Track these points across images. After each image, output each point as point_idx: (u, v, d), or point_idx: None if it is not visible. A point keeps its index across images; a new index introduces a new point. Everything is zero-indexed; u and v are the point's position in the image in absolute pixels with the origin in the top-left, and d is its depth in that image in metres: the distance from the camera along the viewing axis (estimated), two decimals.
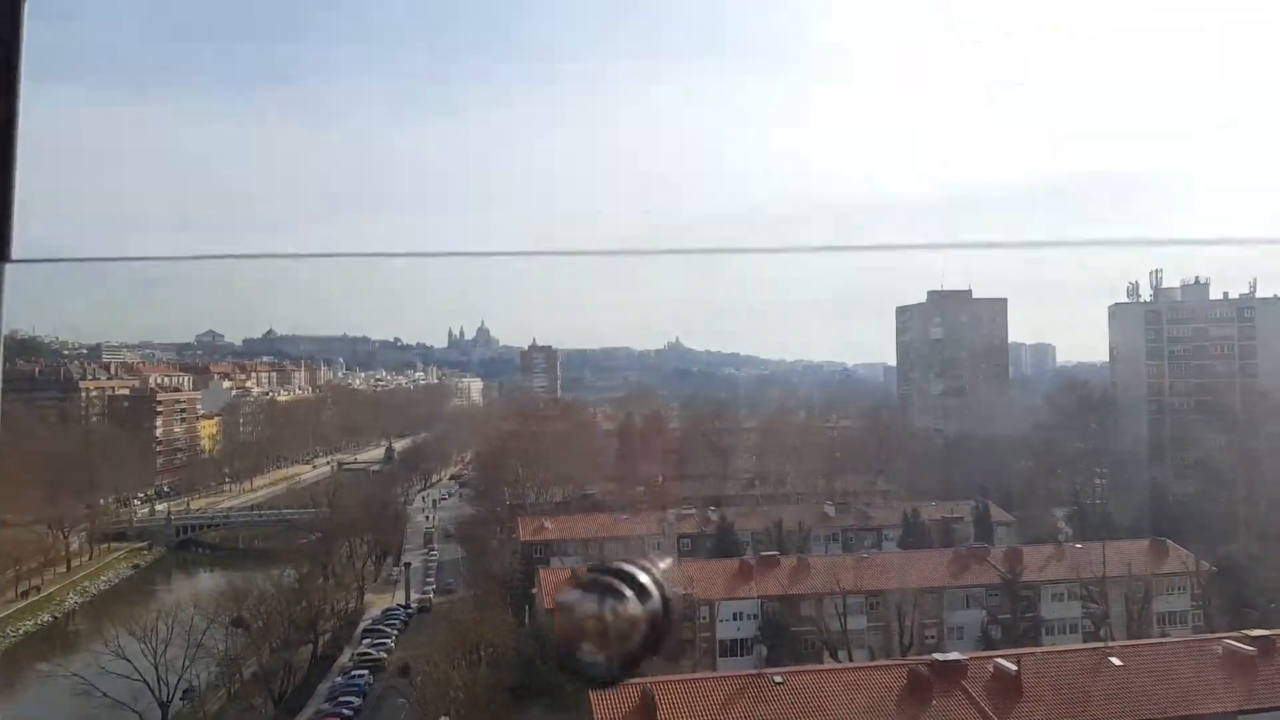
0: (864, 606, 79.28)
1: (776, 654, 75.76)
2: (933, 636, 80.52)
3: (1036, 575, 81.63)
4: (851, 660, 71.59)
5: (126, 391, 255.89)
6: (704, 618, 77.46)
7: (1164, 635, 72.99)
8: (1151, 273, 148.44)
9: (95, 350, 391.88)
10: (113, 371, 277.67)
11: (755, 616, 78.06)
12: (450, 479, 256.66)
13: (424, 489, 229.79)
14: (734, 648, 77.97)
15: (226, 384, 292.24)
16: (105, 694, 72.99)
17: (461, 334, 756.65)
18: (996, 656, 55.73)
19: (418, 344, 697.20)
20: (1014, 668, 52.68)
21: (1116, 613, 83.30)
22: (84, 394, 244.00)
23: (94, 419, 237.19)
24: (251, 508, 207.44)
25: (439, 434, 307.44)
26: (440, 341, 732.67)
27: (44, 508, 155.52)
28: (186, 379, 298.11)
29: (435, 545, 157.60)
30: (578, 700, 53.67)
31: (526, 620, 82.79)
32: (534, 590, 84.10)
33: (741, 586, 78.98)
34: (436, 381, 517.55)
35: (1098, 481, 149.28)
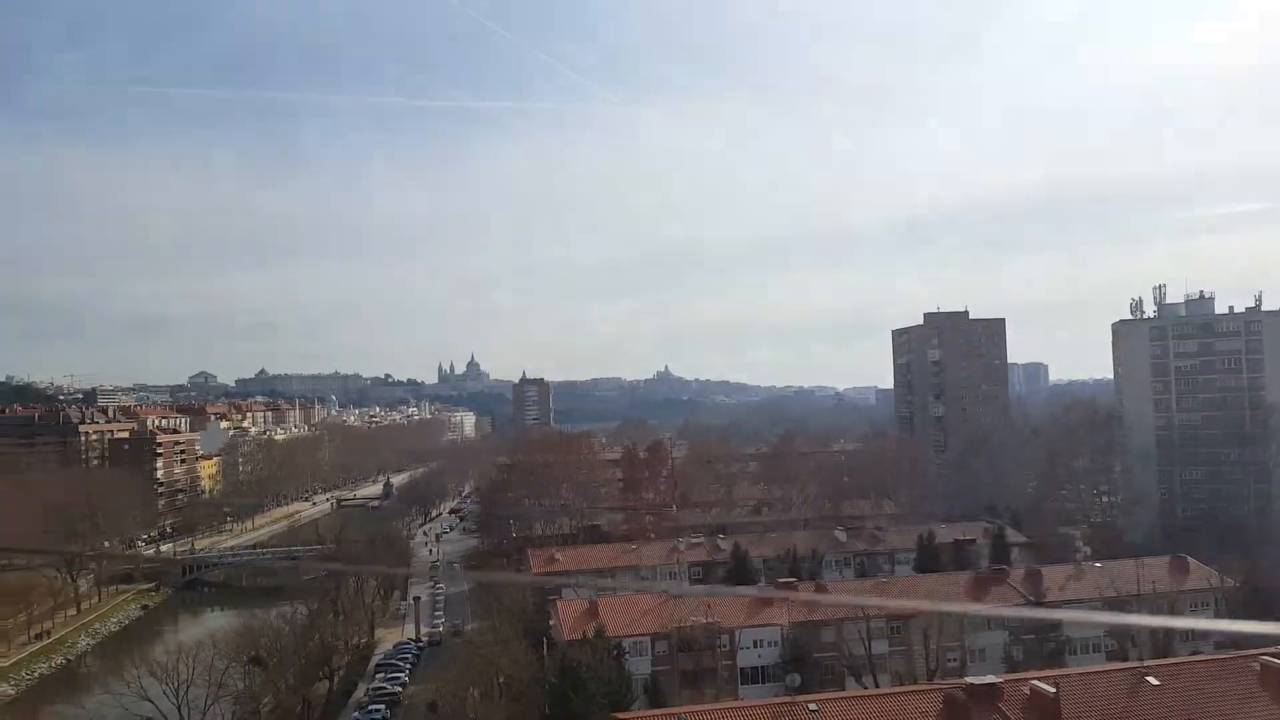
0: (885, 631, 78.47)
1: (799, 681, 74.78)
2: (955, 659, 79.64)
3: (1058, 595, 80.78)
4: (877, 685, 70.73)
5: (125, 434, 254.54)
6: (724, 645, 76.52)
7: (1196, 653, 71.98)
8: (1155, 288, 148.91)
9: (91, 394, 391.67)
10: (111, 415, 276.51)
11: (775, 644, 77.13)
12: (450, 512, 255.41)
13: (425, 523, 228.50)
14: (755, 675, 76.96)
15: (224, 424, 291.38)
16: None
17: (452, 369, 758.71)
18: (1032, 679, 54.60)
19: (408, 380, 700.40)
20: (1052, 690, 51.67)
21: (1138, 631, 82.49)
22: (83, 437, 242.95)
23: (94, 462, 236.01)
24: (254, 546, 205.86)
25: (436, 469, 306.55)
26: (431, 377, 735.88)
27: (51, 551, 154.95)
28: (183, 420, 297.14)
29: (441, 579, 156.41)
30: None
31: (545, 652, 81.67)
32: (551, 622, 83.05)
33: (761, 613, 78.12)
34: (430, 417, 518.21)
35: (1104, 499, 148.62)
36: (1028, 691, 53.39)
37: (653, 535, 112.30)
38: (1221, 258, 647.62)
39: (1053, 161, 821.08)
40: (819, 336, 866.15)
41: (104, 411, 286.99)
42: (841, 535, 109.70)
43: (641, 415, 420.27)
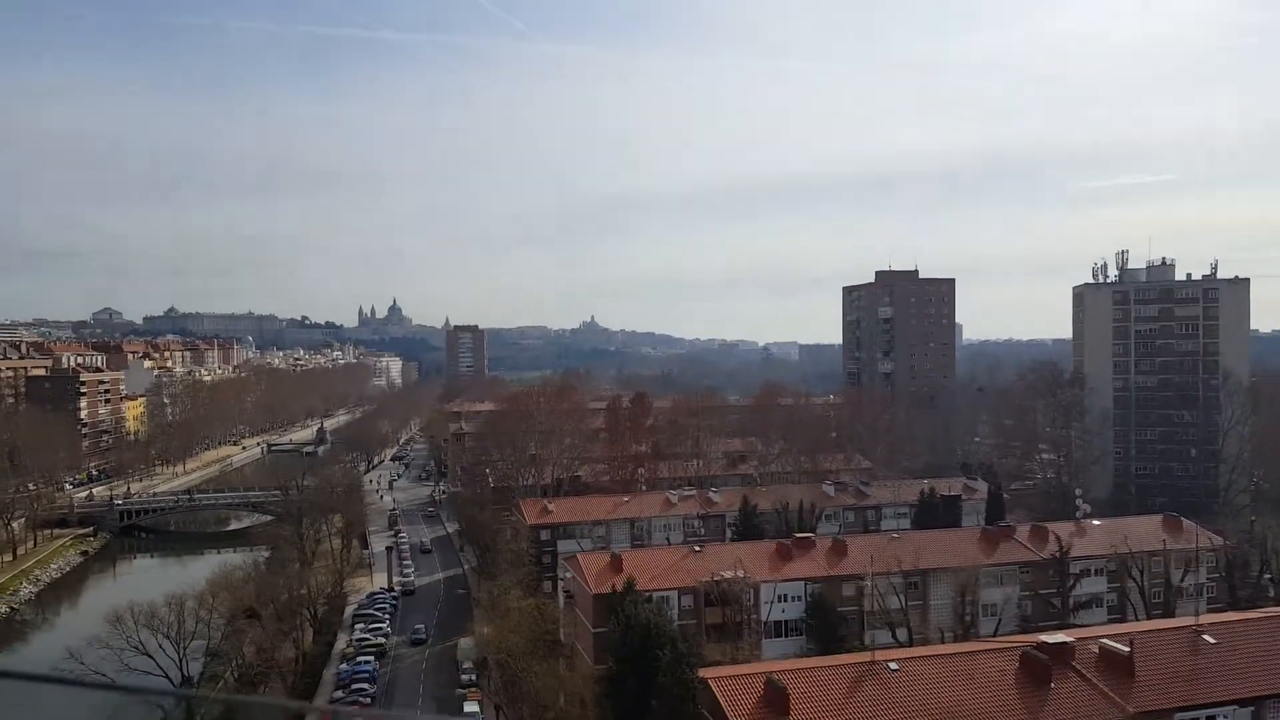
0: (903, 585, 78.61)
1: (823, 635, 74.57)
2: (968, 614, 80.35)
3: (1076, 552, 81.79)
4: (911, 639, 70.92)
5: (42, 371, 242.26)
6: (749, 600, 75.65)
7: (1220, 610, 73.86)
8: (1118, 253, 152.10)
9: None
10: (24, 350, 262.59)
11: (799, 598, 76.67)
12: (392, 459, 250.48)
13: (368, 470, 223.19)
14: (779, 629, 76.46)
15: (148, 364, 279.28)
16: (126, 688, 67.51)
17: (373, 312, 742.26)
18: (1101, 637, 55.05)
19: (326, 322, 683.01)
20: (1125, 649, 52.10)
21: (1132, 587, 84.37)
22: None
23: (9, 400, 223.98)
24: (187, 491, 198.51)
25: (370, 413, 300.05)
26: (350, 320, 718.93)
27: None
28: (100, 358, 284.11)
29: (401, 527, 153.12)
30: (692, 692, 51.49)
31: (560, 604, 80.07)
32: (567, 574, 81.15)
33: (784, 568, 77.53)
34: (355, 361, 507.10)
35: (1060, 457, 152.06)
36: (1096, 650, 53.82)
37: (644, 487, 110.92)
38: (1140, 224, 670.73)
39: (977, 126, 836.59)
40: (741, 292, 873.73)
41: (16, 347, 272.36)
42: (830, 489, 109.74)
43: (570, 364, 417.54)
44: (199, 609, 76.66)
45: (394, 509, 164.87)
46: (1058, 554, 77.55)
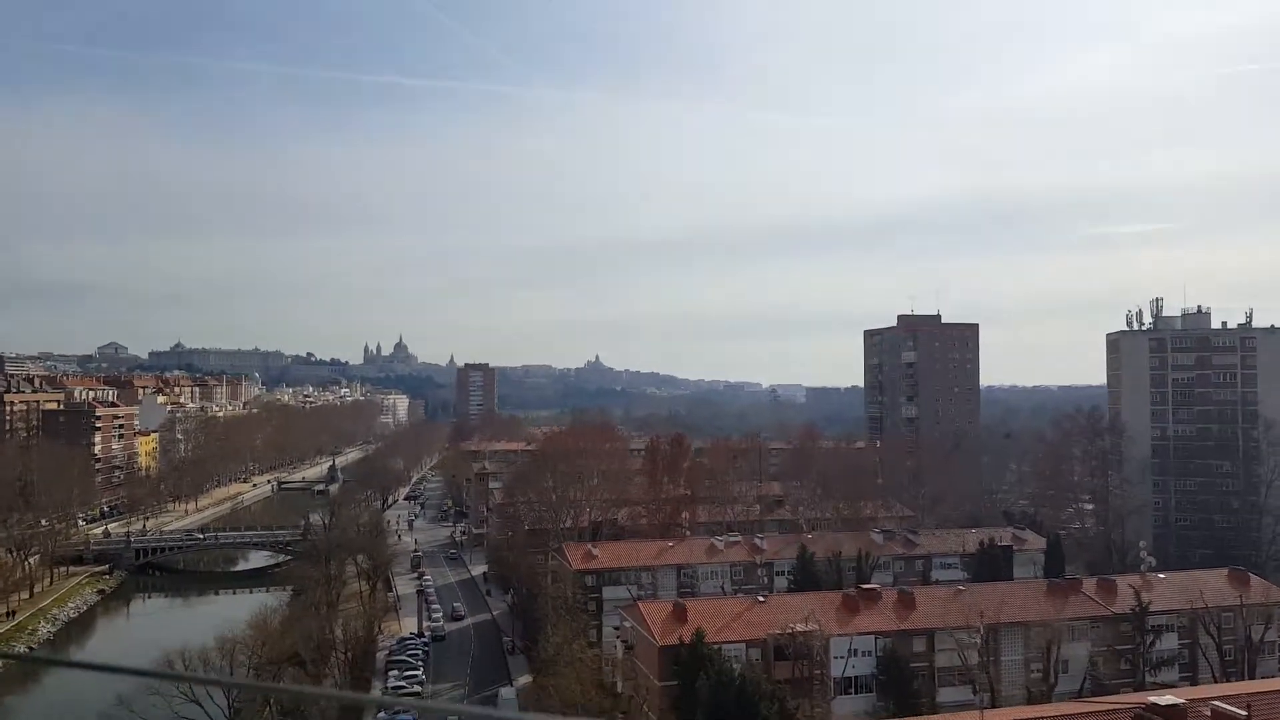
0: (975, 642, 76.11)
1: (895, 692, 72.10)
2: (1038, 670, 77.82)
3: (1152, 606, 79.37)
4: (993, 696, 68.46)
5: (54, 405, 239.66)
6: (818, 654, 73.10)
7: None
8: (1152, 301, 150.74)
9: None
10: (37, 384, 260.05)
11: (869, 653, 74.10)
12: (406, 499, 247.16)
13: (384, 508, 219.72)
14: (847, 685, 73.82)
15: (161, 399, 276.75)
16: None
17: (378, 350, 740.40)
18: (1212, 699, 52.74)
19: (332, 359, 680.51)
20: (1243, 712, 49.78)
21: (1206, 644, 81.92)
22: (8, 407, 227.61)
23: (21, 433, 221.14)
24: (202, 529, 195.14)
25: (381, 451, 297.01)
26: (355, 357, 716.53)
27: None
28: (112, 392, 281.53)
29: (425, 570, 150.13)
30: None
31: (620, 654, 77.45)
32: (626, 623, 78.59)
33: (853, 621, 75.05)
34: (363, 398, 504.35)
35: (1086, 506, 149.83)
36: (1209, 713, 51.47)
37: (687, 531, 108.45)
38: (1148, 270, 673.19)
39: (974, 174, 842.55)
40: (744, 333, 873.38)
41: (30, 381, 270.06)
42: (878, 538, 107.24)
43: (577, 404, 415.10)
44: (248, 657, 73.98)
45: (417, 550, 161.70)
46: (1136, 608, 75.12)
